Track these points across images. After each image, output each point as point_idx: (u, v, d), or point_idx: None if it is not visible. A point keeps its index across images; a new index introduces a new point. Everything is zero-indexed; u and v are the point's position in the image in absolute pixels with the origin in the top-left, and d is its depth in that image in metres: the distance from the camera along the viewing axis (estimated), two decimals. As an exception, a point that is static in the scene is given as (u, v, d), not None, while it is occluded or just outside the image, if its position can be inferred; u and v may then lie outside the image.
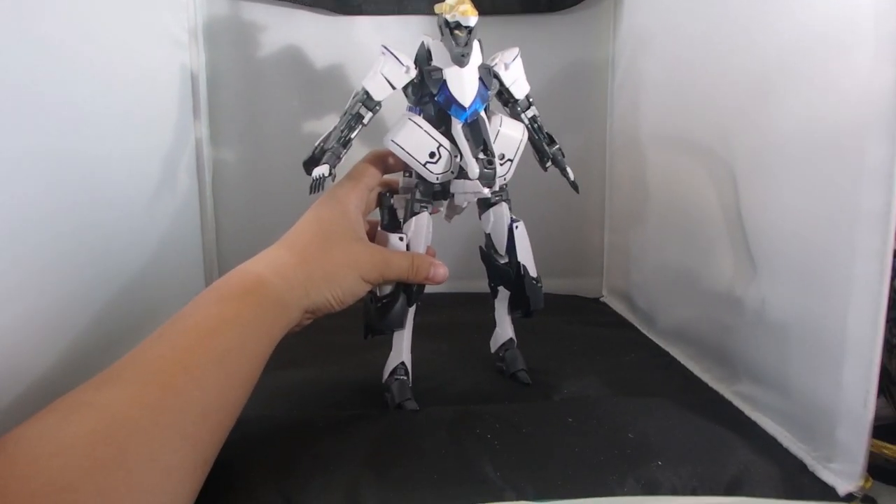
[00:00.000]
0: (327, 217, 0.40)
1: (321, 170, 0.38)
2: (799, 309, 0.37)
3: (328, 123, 0.42)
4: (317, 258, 0.38)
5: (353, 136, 0.41)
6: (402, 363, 0.43)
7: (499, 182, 0.43)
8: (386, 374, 0.44)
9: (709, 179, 0.47)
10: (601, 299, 0.76)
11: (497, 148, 0.42)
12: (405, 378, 0.43)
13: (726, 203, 0.45)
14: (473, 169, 0.40)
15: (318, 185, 0.38)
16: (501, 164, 0.43)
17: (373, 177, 0.43)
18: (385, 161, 0.44)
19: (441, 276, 0.42)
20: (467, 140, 0.40)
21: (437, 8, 0.41)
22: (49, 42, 0.41)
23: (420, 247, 0.43)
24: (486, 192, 0.42)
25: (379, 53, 0.41)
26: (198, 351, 0.30)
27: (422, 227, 0.43)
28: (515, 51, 0.45)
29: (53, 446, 0.24)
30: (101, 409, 0.26)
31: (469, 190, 0.42)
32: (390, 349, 0.44)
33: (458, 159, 0.41)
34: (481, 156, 0.40)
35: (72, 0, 0.44)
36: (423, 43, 0.43)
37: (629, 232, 0.68)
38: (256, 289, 0.35)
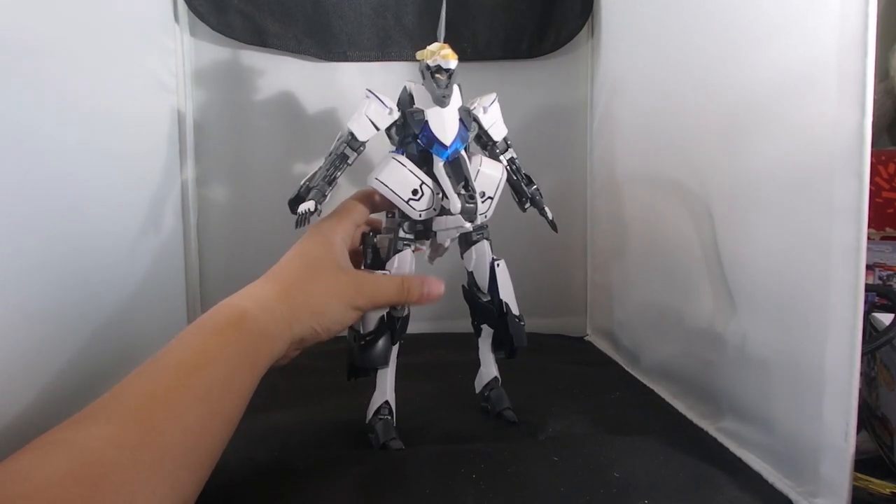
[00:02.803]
0: (312, 250, 0.40)
1: (307, 205, 0.39)
2: (779, 344, 0.37)
3: (313, 166, 0.43)
4: (300, 290, 0.37)
5: (338, 175, 0.41)
6: (386, 402, 0.43)
7: (480, 218, 0.44)
8: (370, 414, 0.43)
9: (687, 218, 0.49)
10: (586, 338, 0.76)
11: (477, 186, 0.43)
12: (389, 417, 0.42)
13: (705, 241, 0.46)
14: (455, 204, 0.40)
15: (303, 220, 0.39)
16: (483, 202, 0.43)
17: (360, 213, 0.44)
18: (372, 199, 0.45)
19: (436, 291, 0.41)
20: (449, 177, 0.41)
21: (419, 55, 0.43)
22: (40, 84, 0.42)
23: (403, 282, 0.43)
24: (468, 226, 0.42)
25: (363, 97, 0.42)
26: (180, 388, 0.30)
27: (405, 263, 0.43)
28: (493, 95, 0.46)
29: (28, 487, 0.24)
30: (79, 448, 0.26)
31: (451, 225, 0.42)
32: (373, 390, 0.43)
33: (439, 197, 0.42)
34: (462, 191, 0.41)
35: (63, 44, 0.45)
36: (405, 87, 0.44)
37: (611, 271, 0.68)
38: (240, 323, 0.34)
